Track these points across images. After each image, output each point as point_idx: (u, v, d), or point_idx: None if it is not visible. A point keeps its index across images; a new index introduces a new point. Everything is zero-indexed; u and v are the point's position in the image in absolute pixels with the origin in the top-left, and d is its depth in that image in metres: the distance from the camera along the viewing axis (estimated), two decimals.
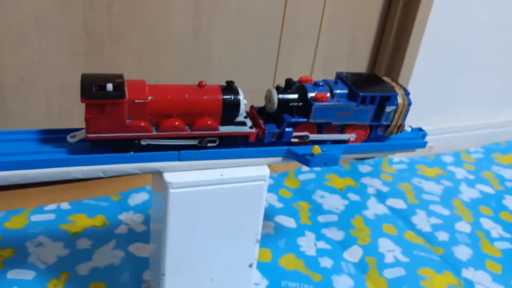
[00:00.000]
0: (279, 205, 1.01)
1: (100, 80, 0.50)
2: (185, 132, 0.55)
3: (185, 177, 0.56)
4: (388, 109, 0.63)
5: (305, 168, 1.17)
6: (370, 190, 1.12)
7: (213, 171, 0.58)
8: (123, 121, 0.52)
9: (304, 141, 0.62)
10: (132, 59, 0.93)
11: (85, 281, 0.74)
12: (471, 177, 1.25)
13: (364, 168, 1.22)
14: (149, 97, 0.53)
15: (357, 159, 1.29)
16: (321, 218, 0.99)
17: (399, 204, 1.07)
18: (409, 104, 0.64)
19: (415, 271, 0.86)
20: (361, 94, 0.60)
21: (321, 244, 0.90)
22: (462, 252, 0.93)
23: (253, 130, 0.58)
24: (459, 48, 1.25)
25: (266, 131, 0.60)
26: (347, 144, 0.64)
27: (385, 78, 0.67)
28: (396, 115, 0.64)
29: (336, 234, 0.94)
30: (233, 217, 0.61)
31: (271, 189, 1.06)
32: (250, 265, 0.66)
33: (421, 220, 1.02)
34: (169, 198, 0.55)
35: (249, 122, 0.59)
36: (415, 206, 1.07)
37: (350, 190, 1.11)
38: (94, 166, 0.54)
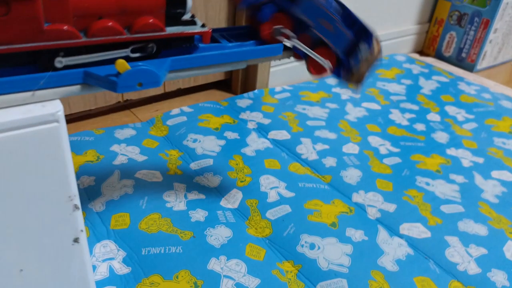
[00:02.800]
0: (141, 158, 0.83)
1: None
2: (124, 36, 0.44)
3: None
4: (362, 46, 0.56)
5: (174, 111, 1.00)
6: (251, 125, 0.98)
7: None
8: (39, 25, 0.39)
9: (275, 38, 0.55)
10: None
11: None
12: (356, 95, 1.17)
13: (243, 102, 1.08)
14: None
15: (232, 92, 1.15)
16: (194, 165, 0.83)
17: (282, 135, 0.96)
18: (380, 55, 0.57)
19: (301, 206, 0.75)
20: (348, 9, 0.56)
21: (193, 195, 0.75)
22: (351, 176, 0.84)
23: (206, 28, 0.49)
24: None
25: None
26: (175, 57, 0.48)
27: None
28: (365, 62, 0.57)
29: (212, 181, 0.80)
30: (21, 182, 0.42)
31: (131, 142, 0.88)
32: (76, 240, 0.49)
33: (307, 149, 0.91)
34: None
35: (199, 21, 0.50)
36: (300, 135, 0.96)
37: (227, 128, 0.96)
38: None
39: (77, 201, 0.47)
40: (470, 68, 1.46)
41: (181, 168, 0.82)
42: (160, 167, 0.82)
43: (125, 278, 0.59)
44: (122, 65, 0.41)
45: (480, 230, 0.74)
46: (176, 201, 0.73)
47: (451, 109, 1.15)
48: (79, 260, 0.51)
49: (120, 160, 0.82)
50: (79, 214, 0.48)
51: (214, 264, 0.62)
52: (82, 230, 0.49)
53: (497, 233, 0.73)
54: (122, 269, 0.60)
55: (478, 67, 1.46)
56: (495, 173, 0.89)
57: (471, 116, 1.12)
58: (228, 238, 0.67)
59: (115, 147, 0.85)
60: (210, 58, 0.50)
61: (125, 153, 0.84)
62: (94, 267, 0.59)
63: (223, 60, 0.51)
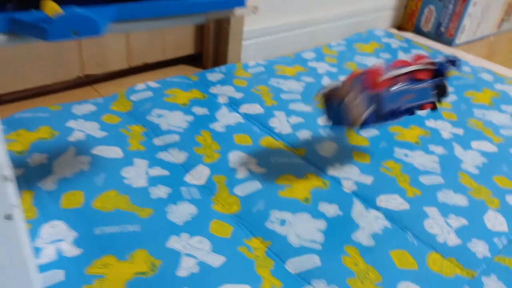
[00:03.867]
0: (100, 134, 0.77)
1: None
2: None
3: None
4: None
5: (139, 86, 0.94)
6: (221, 100, 0.93)
7: None
8: None
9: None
10: None
11: None
12: (334, 70, 1.12)
13: (214, 76, 1.02)
14: None
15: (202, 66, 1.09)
16: (157, 141, 0.77)
17: (255, 109, 0.90)
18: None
19: (273, 182, 0.70)
20: None
21: (156, 171, 0.70)
22: (327, 149, 0.79)
23: None
24: None
25: None
26: (122, 4, 0.42)
27: None
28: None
29: (177, 156, 0.74)
30: None
31: (90, 118, 0.81)
32: (8, 217, 0.43)
33: (280, 122, 0.86)
34: None
35: None
36: (273, 108, 0.91)
37: (196, 103, 0.90)
38: None
39: (8, 172, 0.41)
40: (449, 42, 1.42)
41: (144, 144, 0.76)
42: (120, 143, 0.75)
43: (75, 260, 0.53)
44: (51, 8, 0.35)
45: (460, 200, 0.70)
46: (135, 177, 0.68)
47: None
48: (14, 240, 0.45)
49: (76, 136, 0.75)
50: (11, 186, 0.42)
51: (175, 242, 0.57)
52: (15, 205, 0.43)
53: (478, 203, 0.70)
54: (72, 251, 0.55)
55: (457, 41, 1.43)
56: (475, 144, 0.86)
57: (450, 89, 1.08)
58: (192, 215, 0.62)
59: (71, 123, 0.79)
60: (163, 8, 0.44)
61: (83, 129, 0.77)
62: (38, 250, 0.54)
63: (179, 11, 0.45)
